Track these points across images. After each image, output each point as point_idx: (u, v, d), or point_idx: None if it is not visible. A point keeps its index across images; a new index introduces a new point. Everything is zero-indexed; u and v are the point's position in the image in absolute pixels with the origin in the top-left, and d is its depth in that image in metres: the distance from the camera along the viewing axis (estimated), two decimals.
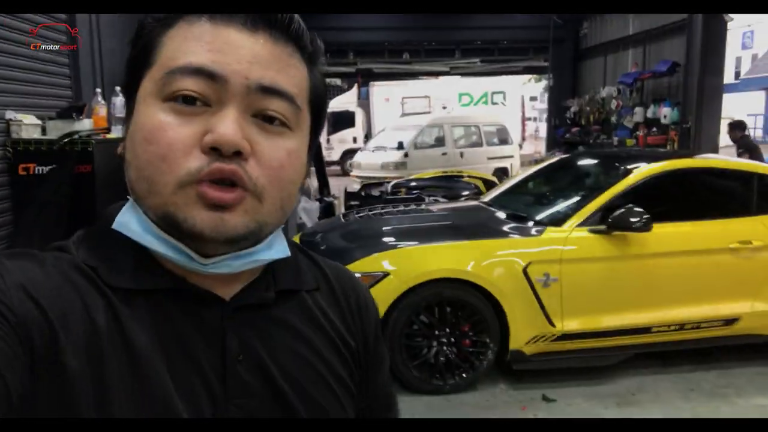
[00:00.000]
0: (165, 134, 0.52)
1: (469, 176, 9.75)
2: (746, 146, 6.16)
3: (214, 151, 0.52)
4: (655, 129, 6.92)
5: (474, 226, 3.56)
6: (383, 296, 3.14)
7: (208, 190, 0.52)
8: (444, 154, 11.39)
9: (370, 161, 11.46)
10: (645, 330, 3.38)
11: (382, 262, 3.21)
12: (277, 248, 0.61)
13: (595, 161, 4.14)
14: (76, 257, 0.56)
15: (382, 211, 4.17)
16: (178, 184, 0.52)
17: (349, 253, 3.33)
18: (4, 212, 3.41)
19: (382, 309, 3.14)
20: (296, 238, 3.92)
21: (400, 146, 11.02)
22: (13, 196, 3.37)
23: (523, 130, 17.68)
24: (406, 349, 3.20)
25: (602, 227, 3.30)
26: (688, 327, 3.42)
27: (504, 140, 12.45)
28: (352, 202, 9.80)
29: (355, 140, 17.31)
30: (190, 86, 0.53)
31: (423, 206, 4.18)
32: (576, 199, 3.60)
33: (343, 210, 8.64)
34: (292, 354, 0.61)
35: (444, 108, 16.78)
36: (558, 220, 3.40)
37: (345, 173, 15.10)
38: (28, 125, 3.37)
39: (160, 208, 0.53)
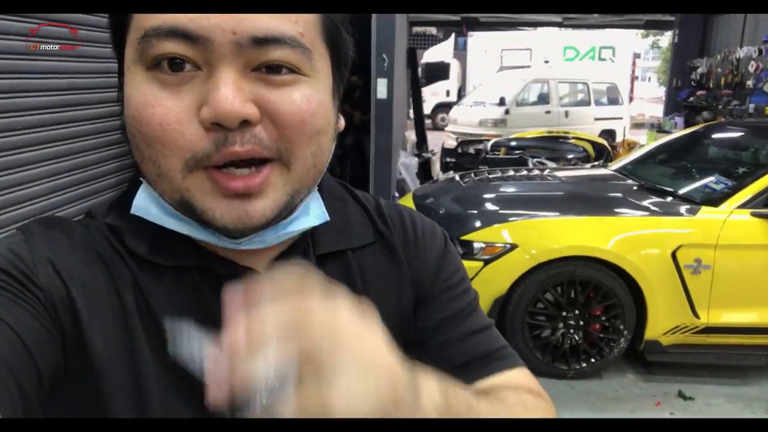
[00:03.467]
0: (154, 112, 0.45)
1: (575, 138, 9.16)
2: None
3: (217, 125, 0.45)
4: None
5: (611, 199, 3.20)
6: (508, 270, 2.91)
7: (230, 183, 0.46)
8: (548, 112, 10.74)
9: (467, 117, 11.00)
10: None
11: (508, 232, 2.96)
12: (314, 213, 0.55)
13: (749, 133, 3.61)
14: (106, 230, 0.53)
15: (502, 175, 3.88)
16: (186, 168, 0.46)
17: (469, 221, 3.10)
18: None
19: (506, 283, 2.91)
20: (408, 200, 3.73)
21: (502, 102, 10.46)
22: None
23: (632, 90, 16.42)
24: (530, 327, 2.97)
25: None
26: None
27: (614, 100, 11.58)
28: (448, 159, 9.50)
29: (448, 93, 16.76)
30: (171, 49, 0.45)
31: (546, 172, 3.84)
32: (733, 176, 3.14)
33: (438, 167, 8.35)
34: None
35: (546, 62, 15.82)
36: (714, 200, 2.99)
37: (436, 128, 14.68)
38: None
39: (174, 194, 0.48)
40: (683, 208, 2.98)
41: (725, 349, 3.00)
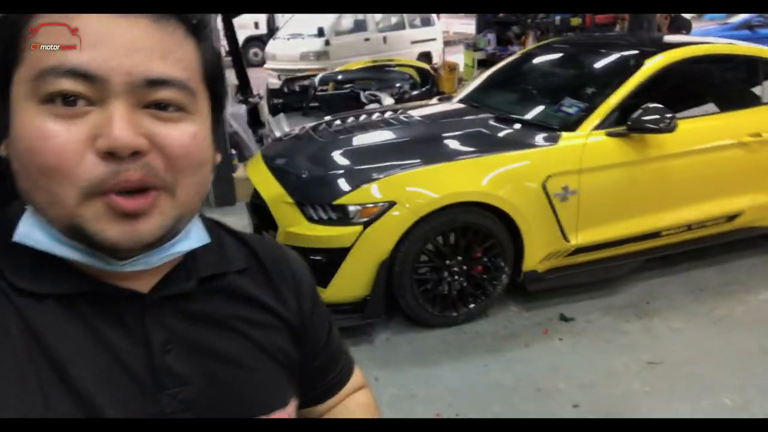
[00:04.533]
0: (50, 143, 0.48)
1: (399, 65, 9.10)
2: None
3: (110, 155, 0.49)
4: None
5: (475, 137, 3.09)
6: (389, 229, 2.69)
7: (119, 200, 0.50)
8: (367, 39, 10.51)
9: (287, 51, 10.35)
10: (655, 235, 3.21)
11: (383, 190, 2.72)
12: (195, 236, 0.59)
13: (587, 50, 3.71)
14: None
15: (357, 120, 3.58)
16: (81, 196, 0.49)
17: (337, 182, 2.80)
18: None
19: (388, 244, 2.70)
20: (258, 163, 3.29)
21: (321, 33, 9.96)
22: None
23: None
24: (417, 283, 2.82)
25: (621, 129, 2.97)
26: (695, 227, 3.28)
27: (426, 21, 11.68)
28: (276, 101, 8.93)
29: (257, 26, 15.65)
30: (67, 86, 0.48)
31: (399, 112, 3.62)
32: (582, 97, 3.20)
33: (266, 111, 7.75)
34: (223, 335, 0.61)
35: None
36: (571, 124, 3.02)
37: (250, 64, 13.70)
38: None
39: (65, 220, 0.50)
40: (545, 137, 2.97)
41: (593, 265, 3.15)
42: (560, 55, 3.90)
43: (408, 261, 2.76)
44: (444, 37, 16.05)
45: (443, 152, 2.96)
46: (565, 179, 2.88)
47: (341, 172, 2.87)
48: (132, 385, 0.54)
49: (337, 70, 8.99)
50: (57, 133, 0.48)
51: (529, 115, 3.27)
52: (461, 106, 3.74)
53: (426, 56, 11.27)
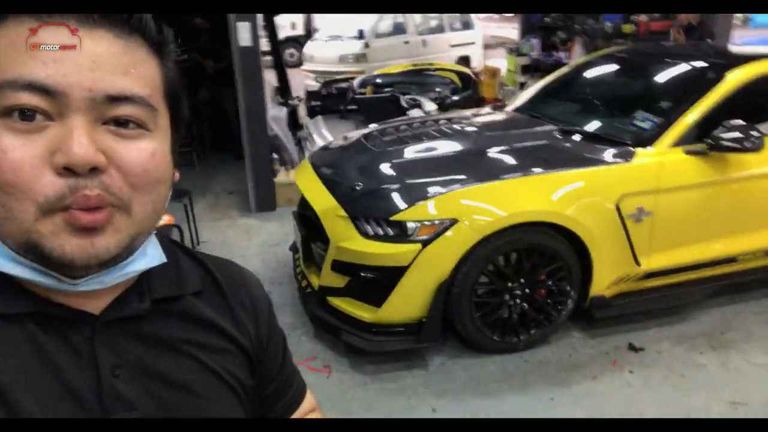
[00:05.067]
0: (6, 158, 0.47)
1: (439, 69, 8.92)
2: None
3: (68, 170, 0.48)
4: (657, 15, 6.29)
5: (540, 151, 2.90)
6: (450, 249, 2.52)
7: (78, 214, 0.49)
8: (406, 42, 10.34)
9: (325, 53, 10.25)
10: (731, 260, 2.97)
11: (445, 206, 2.55)
12: (151, 256, 0.58)
13: (656, 60, 3.48)
14: None
15: (410, 129, 3.41)
16: (39, 212, 0.49)
17: (395, 196, 2.64)
18: None
19: (448, 264, 2.53)
20: (307, 172, 3.15)
21: (360, 35, 9.83)
22: None
23: None
24: (476, 306, 2.65)
25: (701, 147, 2.75)
26: None
27: (467, 24, 11.47)
28: (314, 103, 8.83)
29: (294, 26, 15.67)
30: (25, 101, 0.47)
31: (454, 121, 3.45)
32: (655, 111, 2.99)
33: (303, 113, 7.64)
34: (175, 360, 0.60)
35: None
36: (645, 140, 2.81)
37: (286, 65, 13.66)
38: None
39: (21, 236, 0.49)
40: (618, 153, 2.77)
41: (664, 290, 2.94)
42: (626, 64, 3.68)
43: (468, 283, 2.59)
44: (485, 41, 15.86)
45: (507, 167, 2.78)
46: (640, 199, 2.67)
47: (398, 185, 2.71)
48: (77, 410, 0.53)
49: (376, 73, 8.85)
50: (13, 147, 0.47)
51: (597, 128, 3.07)
52: (519, 116, 3.55)
53: (465, 60, 11.07)
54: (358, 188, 2.77)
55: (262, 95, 4.62)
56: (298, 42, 14.84)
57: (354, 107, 8.65)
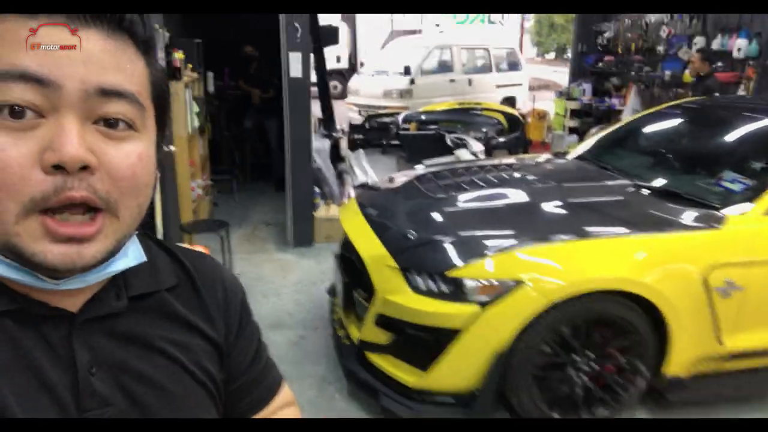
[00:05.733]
0: None
1: (486, 109, 8.73)
2: None
3: (57, 168, 0.48)
4: (720, 64, 6.00)
5: (614, 209, 2.62)
6: (512, 314, 2.24)
7: (56, 226, 0.49)
8: (452, 81, 10.22)
9: (370, 87, 10.18)
10: None
11: (510, 265, 2.28)
12: (132, 255, 0.59)
13: (736, 115, 3.18)
14: None
15: (467, 173, 3.17)
16: (22, 212, 0.48)
17: (451, 249, 2.39)
18: None
19: (509, 331, 2.25)
20: (354, 214, 2.93)
21: (407, 71, 9.75)
22: None
23: (521, 53, 16.44)
24: (535, 380, 2.35)
25: None
26: None
27: (514, 65, 11.33)
28: (356, 136, 8.70)
29: (339, 60, 15.78)
30: (17, 95, 0.47)
31: (512, 168, 3.20)
32: (744, 171, 2.68)
33: (345, 145, 7.48)
34: (149, 357, 0.60)
35: (437, 26, 15.35)
36: (735, 204, 2.51)
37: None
38: None
39: (1, 237, 0.49)
40: (705, 217, 2.47)
41: (747, 375, 2.58)
42: (703, 117, 3.39)
43: (529, 353, 2.29)
44: (560, 89, 15.71)
45: (578, 224, 2.50)
46: (730, 272, 2.35)
47: (458, 237, 2.46)
48: (53, 406, 0.53)
49: (421, 110, 8.70)
50: (5, 146, 0.47)
51: (678, 187, 2.77)
52: (586, 166, 3.28)
53: (510, 101, 10.87)
54: (411, 237, 2.53)
55: (308, 127, 4.47)
56: (342, 75, 14.95)
57: (396, 143, 8.50)
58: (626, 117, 7.71)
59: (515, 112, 8.47)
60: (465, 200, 2.78)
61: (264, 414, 0.77)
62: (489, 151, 7.36)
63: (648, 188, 2.76)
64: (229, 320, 0.69)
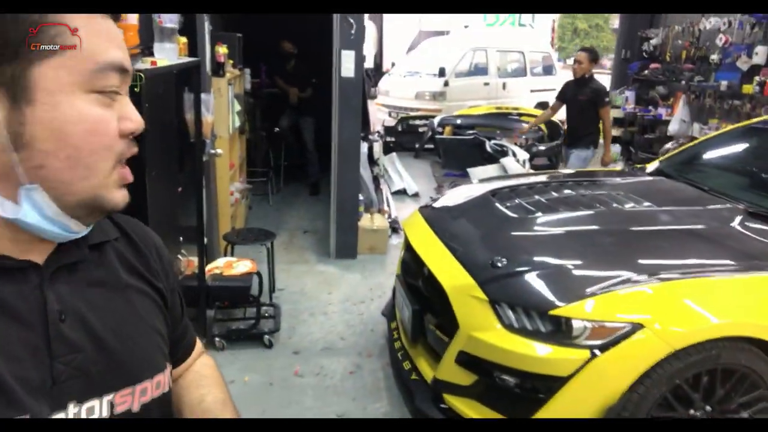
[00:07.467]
0: (107, 126, 0.59)
1: (524, 114, 8.39)
2: None
3: (128, 134, 0.61)
4: None
5: (734, 240, 2.29)
6: (629, 362, 1.92)
7: (126, 173, 0.62)
8: (486, 84, 9.88)
9: (402, 89, 9.85)
10: None
11: (628, 305, 1.96)
12: None
13: None
14: None
15: (549, 189, 2.84)
16: (113, 167, 0.60)
17: (553, 281, 2.08)
18: None
19: (624, 381, 1.93)
20: (424, 231, 2.62)
21: (441, 73, 9.41)
22: None
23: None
24: None
25: None
26: None
27: (548, 70, 10.98)
28: (389, 139, 8.39)
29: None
30: (115, 82, 0.59)
31: (597, 186, 2.88)
32: None
33: (379, 148, 7.14)
34: (112, 304, 0.66)
35: (465, 27, 14.99)
36: None
37: None
38: None
39: (92, 191, 0.59)
40: None
41: None
42: None
43: (644, 407, 1.97)
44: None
45: (697, 257, 2.18)
46: None
47: (557, 268, 2.14)
48: (27, 352, 0.57)
49: (456, 114, 8.38)
50: (110, 118, 0.59)
51: None
52: (678, 185, 2.94)
53: (543, 106, 10.51)
54: (500, 265, 2.21)
55: (358, 132, 4.17)
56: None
57: (430, 146, 8.18)
58: (672, 127, 7.36)
59: (555, 119, 8.13)
60: (556, 222, 2.46)
61: (190, 361, 0.87)
62: (531, 159, 7.02)
63: (759, 215, 2.43)
64: (165, 273, 0.77)
